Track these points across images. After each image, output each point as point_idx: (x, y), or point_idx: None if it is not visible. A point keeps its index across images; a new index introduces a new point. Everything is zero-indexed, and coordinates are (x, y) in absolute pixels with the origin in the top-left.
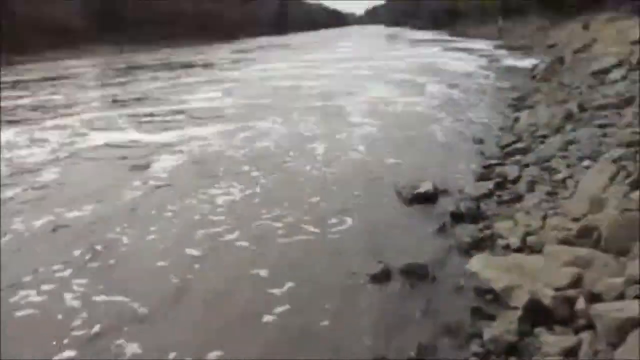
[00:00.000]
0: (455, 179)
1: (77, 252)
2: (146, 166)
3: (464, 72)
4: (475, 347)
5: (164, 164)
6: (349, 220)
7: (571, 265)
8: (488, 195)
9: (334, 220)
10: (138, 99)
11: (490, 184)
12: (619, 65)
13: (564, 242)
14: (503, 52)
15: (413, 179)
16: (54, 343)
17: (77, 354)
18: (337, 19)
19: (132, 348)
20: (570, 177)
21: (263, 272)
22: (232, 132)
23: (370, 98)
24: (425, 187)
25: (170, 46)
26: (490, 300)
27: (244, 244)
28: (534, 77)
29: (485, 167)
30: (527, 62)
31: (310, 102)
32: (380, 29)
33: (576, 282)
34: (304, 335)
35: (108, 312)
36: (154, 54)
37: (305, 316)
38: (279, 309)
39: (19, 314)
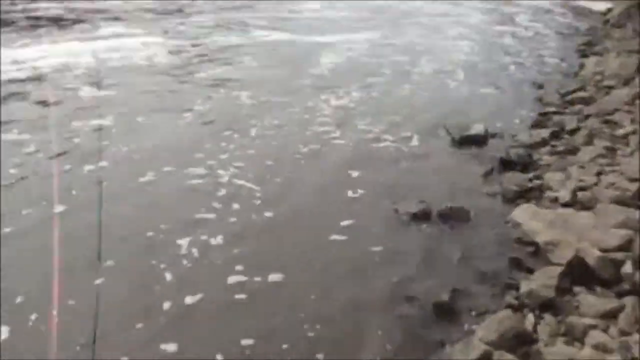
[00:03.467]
0: (510, 123)
1: None
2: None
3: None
4: (510, 298)
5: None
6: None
7: (622, 227)
8: (542, 144)
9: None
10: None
11: (545, 133)
12: None
13: (618, 202)
14: None
15: (465, 118)
16: None
17: None
18: None
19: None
20: (634, 133)
21: None
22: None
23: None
24: (477, 129)
25: None
26: (531, 253)
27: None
28: (606, 21)
29: (541, 114)
30: (601, 5)
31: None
32: None
33: (626, 245)
34: None
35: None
36: None
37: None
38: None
39: None
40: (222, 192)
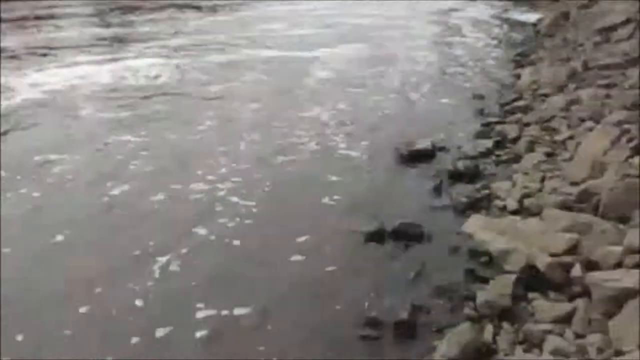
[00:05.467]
0: (455, 136)
1: None
2: None
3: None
4: (468, 310)
5: None
6: None
7: (569, 230)
8: (486, 154)
9: None
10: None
11: (489, 143)
12: (626, 22)
13: (563, 206)
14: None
15: (411, 133)
16: None
17: None
18: None
19: None
20: (571, 138)
21: None
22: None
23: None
24: (423, 144)
25: None
26: (485, 263)
27: None
28: (537, 32)
29: (484, 124)
30: (532, 16)
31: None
32: None
33: (573, 249)
34: None
35: None
36: None
37: None
38: None
39: None
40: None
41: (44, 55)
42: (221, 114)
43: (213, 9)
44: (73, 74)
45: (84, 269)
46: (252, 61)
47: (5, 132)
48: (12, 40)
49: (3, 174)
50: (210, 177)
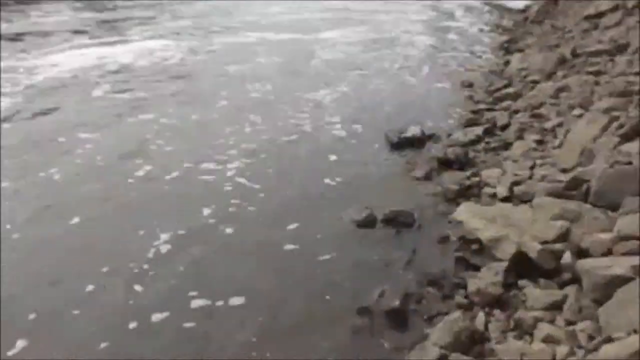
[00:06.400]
0: (444, 123)
1: None
2: None
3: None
4: (459, 298)
5: None
6: None
7: (559, 218)
8: (476, 141)
9: None
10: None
11: (479, 130)
12: (614, 9)
13: (553, 193)
14: None
15: (400, 121)
16: None
17: None
18: None
19: None
20: (560, 125)
21: None
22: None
23: None
24: (413, 131)
25: None
26: (475, 251)
27: None
28: (526, 18)
29: (474, 112)
30: (520, 3)
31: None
32: None
33: (563, 236)
34: None
35: None
36: None
37: None
38: None
39: None
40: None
41: (48, 38)
42: (232, 95)
43: None
44: (87, 56)
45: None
46: (257, 44)
47: (25, 114)
48: (14, 24)
49: (25, 155)
50: (220, 157)
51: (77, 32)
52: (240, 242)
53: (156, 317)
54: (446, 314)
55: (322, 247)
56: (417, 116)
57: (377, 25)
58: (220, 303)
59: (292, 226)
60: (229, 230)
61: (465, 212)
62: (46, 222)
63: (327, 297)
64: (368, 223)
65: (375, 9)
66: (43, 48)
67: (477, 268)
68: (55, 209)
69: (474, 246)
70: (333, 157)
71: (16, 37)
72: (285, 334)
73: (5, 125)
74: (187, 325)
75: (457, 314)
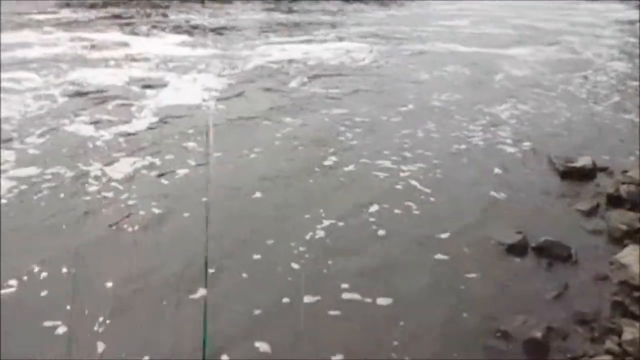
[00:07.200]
0: (622, 157)
1: None
2: None
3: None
4: (610, 344)
5: None
6: None
7: None
8: None
9: None
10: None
11: None
12: None
13: None
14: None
15: (574, 148)
16: None
17: None
18: None
19: None
20: None
21: None
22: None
23: None
24: (584, 161)
25: None
26: (637, 299)
27: None
28: None
29: None
30: None
31: None
32: None
33: None
34: None
35: None
36: None
37: None
38: None
39: None
40: None
41: (249, 32)
42: (417, 100)
43: (382, 3)
44: (289, 51)
45: None
46: (444, 54)
47: (237, 92)
48: (218, 19)
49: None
50: (395, 158)
51: (273, 29)
52: (393, 243)
53: (308, 298)
54: (592, 357)
55: (469, 264)
56: (594, 146)
57: (567, 47)
58: (368, 300)
59: (444, 235)
60: (384, 229)
61: (631, 255)
62: (238, 196)
63: (465, 314)
64: (519, 248)
65: (565, 30)
66: (248, 41)
67: (636, 317)
68: (244, 187)
69: (637, 294)
70: (497, 171)
71: (221, 31)
72: (421, 340)
73: (220, 106)
74: (333, 312)
75: (605, 358)
